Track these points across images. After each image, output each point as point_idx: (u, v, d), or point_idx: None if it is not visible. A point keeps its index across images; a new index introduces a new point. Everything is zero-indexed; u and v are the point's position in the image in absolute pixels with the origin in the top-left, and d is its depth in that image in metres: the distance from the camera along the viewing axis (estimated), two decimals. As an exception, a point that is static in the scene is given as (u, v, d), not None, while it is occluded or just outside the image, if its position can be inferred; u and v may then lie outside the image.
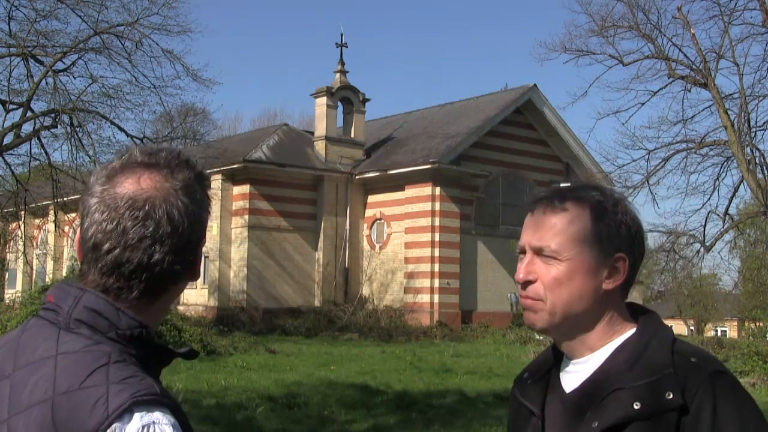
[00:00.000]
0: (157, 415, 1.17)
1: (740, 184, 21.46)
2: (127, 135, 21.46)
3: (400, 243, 27.18)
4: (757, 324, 35.05)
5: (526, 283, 1.53)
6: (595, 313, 1.51)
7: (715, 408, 1.38)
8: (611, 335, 1.52)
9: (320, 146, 28.38)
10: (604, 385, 1.45)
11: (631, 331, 1.52)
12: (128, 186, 1.31)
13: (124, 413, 1.15)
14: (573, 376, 1.54)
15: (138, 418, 1.16)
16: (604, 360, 1.50)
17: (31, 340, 1.28)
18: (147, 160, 1.34)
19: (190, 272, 1.37)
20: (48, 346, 1.24)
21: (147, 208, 1.29)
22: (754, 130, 20.61)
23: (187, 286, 1.45)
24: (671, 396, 1.39)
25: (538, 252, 1.52)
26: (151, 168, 1.33)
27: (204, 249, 1.39)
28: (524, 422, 1.60)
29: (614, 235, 1.50)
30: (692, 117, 22.92)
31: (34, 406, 1.18)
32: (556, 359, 1.60)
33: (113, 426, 1.14)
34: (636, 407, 1.39)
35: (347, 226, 28.03)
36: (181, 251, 1.32)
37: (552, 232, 1.51)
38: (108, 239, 1.29)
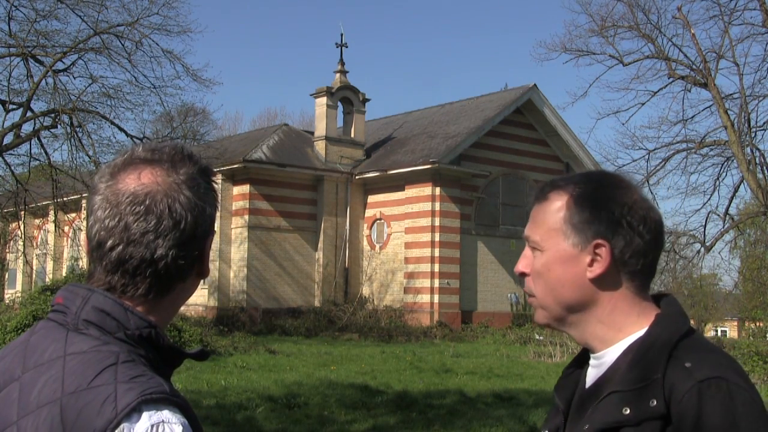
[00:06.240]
0: (166, 414, 1.16)
1: (740, 184, 21.49)
2: (127, 135, 21.47)
3: (400, 243, 27.17)
4: (757, 324, 34.99)
5: (522, 276, 1.55)
6: (585, 302, 1.47)
7: (698, 419, 1.29)
8: (622, 329, 1.46)
9: (320, 146, 28.37)
10: (606, 386, 1.42)
11: (647, 327, 1.45)
12: (130, 182, 1.30)
13: (133, 412, 1.14)
14: (592, 371, 1.52)
15: (147, 417, 1.15)
16: (616, 357, 1.46)
17: (39, 342, 1.27)
18: (149, 156, 1.34)
19: (198, 268, 1.36)
20: (57, 347, 1.24)
21: (148, 202, 1.29)
22: (754, 130, 20.63)
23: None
24: (654, 403, 1.33)
25: (528, 243, 1.55)
26: (153, 163, 1.33)
27: None
28: (553, 413, 1.59)
29: (592, 221, 1.46)
30: (692, 117, 22.97)
31: (43, 407, 1.17)
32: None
33: (122, 425, 1.13)
34: (625, 413, 1.34)
35: (347, 226, 28.02)
36: (185, 246, 1.31)
37: (535, 224, 1.54)
38: (111, 236, 1.29)
